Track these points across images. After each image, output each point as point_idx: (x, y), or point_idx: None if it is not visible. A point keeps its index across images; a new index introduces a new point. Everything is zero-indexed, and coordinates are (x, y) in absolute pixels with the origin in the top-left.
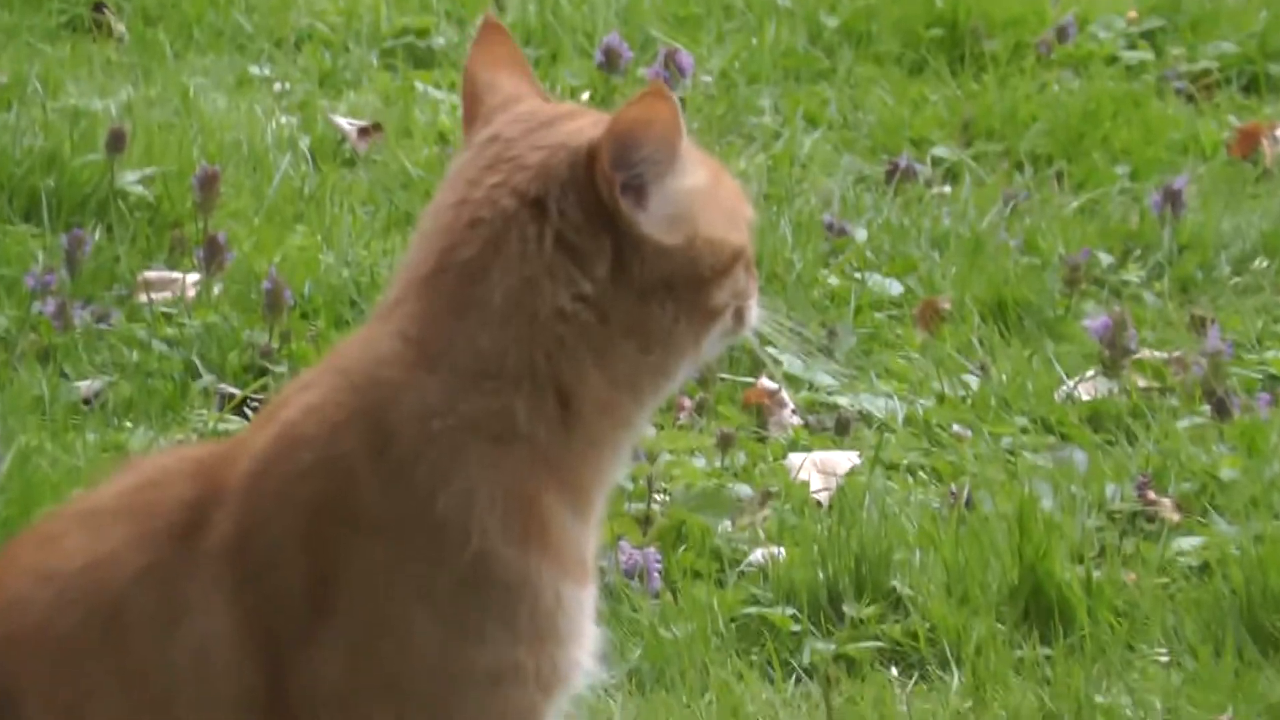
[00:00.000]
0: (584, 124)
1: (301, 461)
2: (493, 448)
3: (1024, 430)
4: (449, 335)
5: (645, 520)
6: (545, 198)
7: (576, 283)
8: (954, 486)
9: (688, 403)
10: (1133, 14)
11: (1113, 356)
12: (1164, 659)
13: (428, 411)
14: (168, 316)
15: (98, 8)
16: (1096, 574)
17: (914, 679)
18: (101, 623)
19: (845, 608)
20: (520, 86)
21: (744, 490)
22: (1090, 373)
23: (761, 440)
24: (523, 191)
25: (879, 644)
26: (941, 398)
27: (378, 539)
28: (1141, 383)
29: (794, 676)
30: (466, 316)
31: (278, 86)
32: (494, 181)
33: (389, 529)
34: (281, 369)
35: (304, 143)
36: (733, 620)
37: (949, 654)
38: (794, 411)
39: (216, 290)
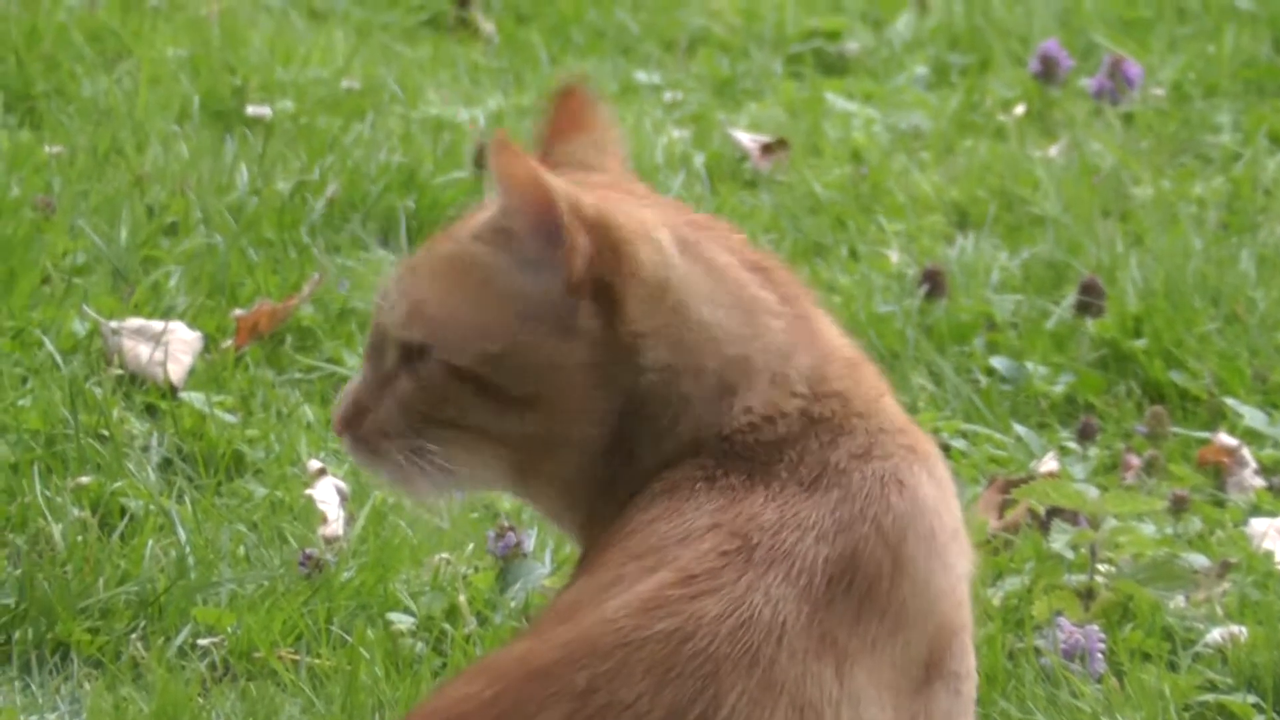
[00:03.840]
0: None
1: None
2: None
3: None
4: None
5: (1087, 594)
6: None
7: None
8: None
9: (1135, 460)
10: None
11: None
12: None
13: None
14: None
15: (463, 4)
16: None
17: None
18: None
19: None
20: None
21: (1199, 560)
22: None
23: (1219, 504)
24: None
25: None
26: None
27: None
28: None
29: None
30: None
31: (668, 96)
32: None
33: None
34: None
35: (698, 160)
36: (1186, 708)
37: None
38: (1257, 471)
39: None
